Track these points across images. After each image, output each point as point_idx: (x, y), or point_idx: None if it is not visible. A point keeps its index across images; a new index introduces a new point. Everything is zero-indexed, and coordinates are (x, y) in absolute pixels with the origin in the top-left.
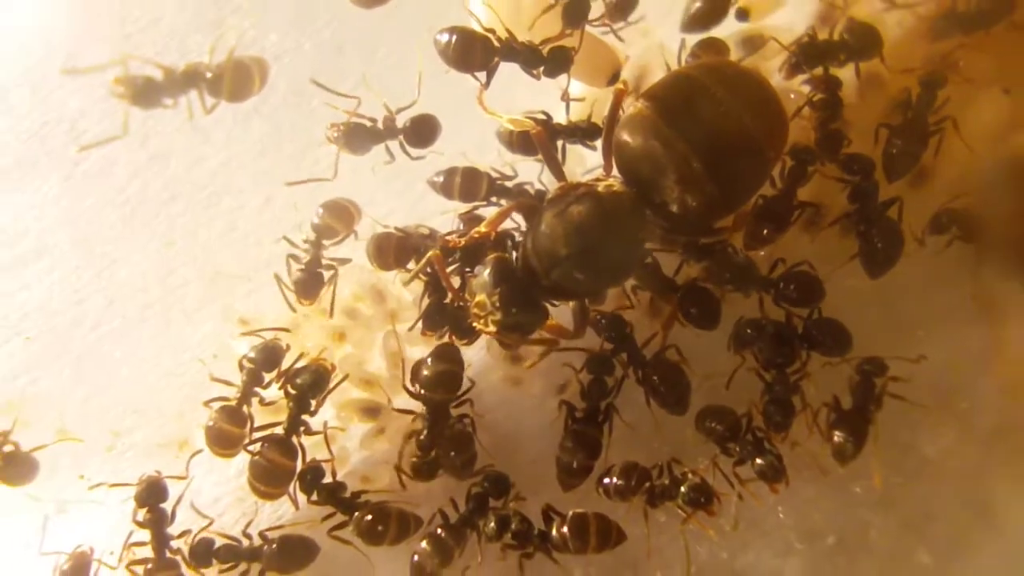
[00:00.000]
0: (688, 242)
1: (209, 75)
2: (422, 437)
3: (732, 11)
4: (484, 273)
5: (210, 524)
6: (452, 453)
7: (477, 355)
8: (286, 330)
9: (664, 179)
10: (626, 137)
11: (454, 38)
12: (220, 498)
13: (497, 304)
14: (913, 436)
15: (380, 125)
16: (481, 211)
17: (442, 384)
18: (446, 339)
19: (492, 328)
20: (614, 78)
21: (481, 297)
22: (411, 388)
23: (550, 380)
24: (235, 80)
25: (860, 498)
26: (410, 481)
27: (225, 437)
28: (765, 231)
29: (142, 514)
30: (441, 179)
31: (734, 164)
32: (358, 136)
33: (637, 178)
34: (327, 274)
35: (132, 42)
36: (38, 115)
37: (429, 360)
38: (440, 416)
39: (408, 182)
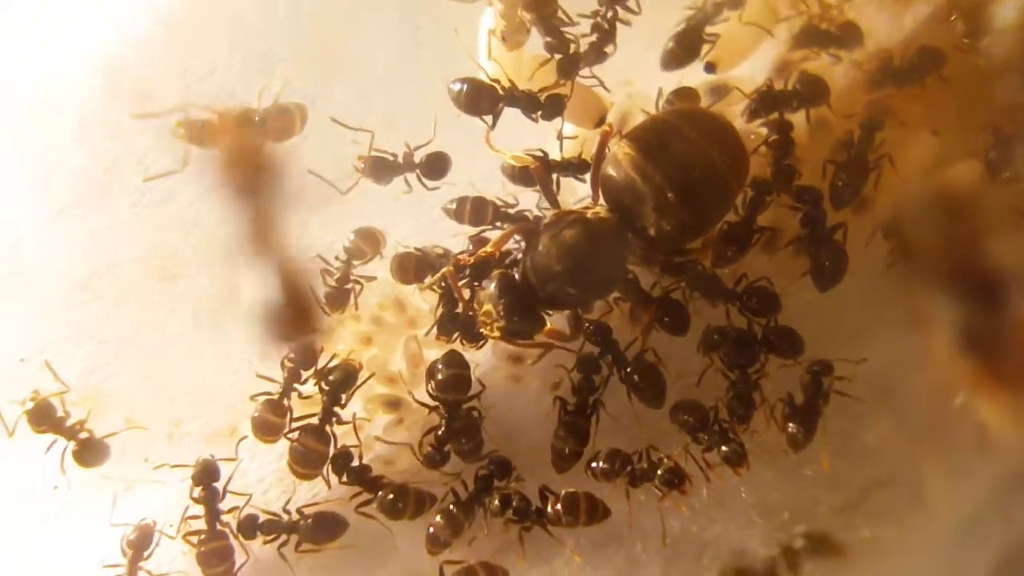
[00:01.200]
0: (664, 261)
1: (257, 118)
2: (439, 433)
3: (703, 65)
4: (490, 287)
5: (250, 499)
6: (462, 440)
7: (484, 357)
8: (320, 331)
9: (643, 207)
10: (611, 171)
11: (465, 87)
12: (264, 478)
13: (501, 313)
14: (856, 427)
15: (400, 159)
16: (488, 234)
17: (452, 386)
18: (457, 343)
19: (497, 333)
20: (601, 121)
21: (488, 307)
22: (429, 392)
23: (546, 379)
24: (279, 122)
25: (811, 480)
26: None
27: (268, 426)
28: (730, 252)
29: (197, 491)
30: (454, 206)
31: (703, 195)
32: (380, 168)
33: (620, 206)
34: (353, 289)
35: (191, 90)
36: (112, 151)
37: (440, 365)
38: (455, 415)
39: (425, 209)
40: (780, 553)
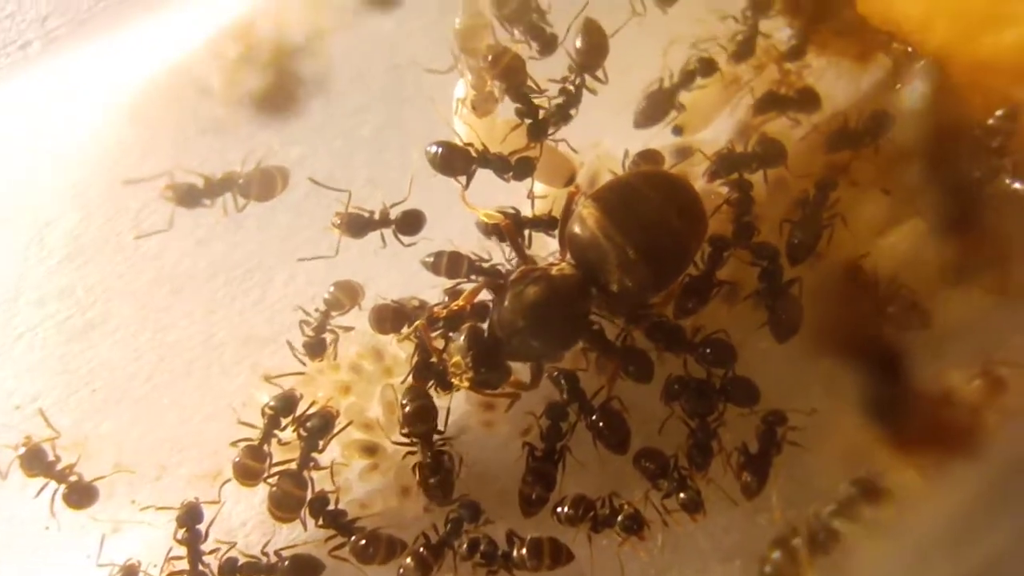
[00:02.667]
0: (628, 313)
1: (241, 181)
2: (424, 465)
3: (670, 128)
4: (460, 339)
5: (233, 546)
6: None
7: (457, 404)
8: (302, 373)
9: (607, 264)
10: (577, 229)
11: (440, 149)
12: (246, 521)
13: (470, 364)
14: (806, 474)
15: (376, 216)
16: (463, 286)
17: (419, 417)
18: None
19: (466, 383)
20: (569, 181)
21: (457, 358)
22: (403, 431)
23: (515, 425)
24: (261, 184)
25: (763, 527)
26: (399, 507)
27: (248, 471)
28: (690, 304)
29: (181, 533)
30: (431, 260)
31: (663, 253)
32: (356, 224)
33: (585, 263)
34: (330, 338)
35: (183, 150)
36: (109, 208)
37: (404, 401)
38: (431, 445)
39: (404, 261)
40: None
